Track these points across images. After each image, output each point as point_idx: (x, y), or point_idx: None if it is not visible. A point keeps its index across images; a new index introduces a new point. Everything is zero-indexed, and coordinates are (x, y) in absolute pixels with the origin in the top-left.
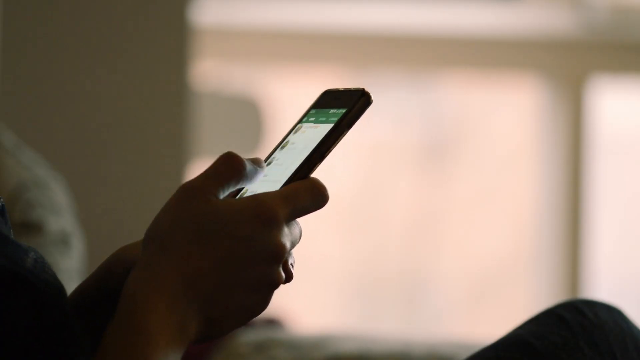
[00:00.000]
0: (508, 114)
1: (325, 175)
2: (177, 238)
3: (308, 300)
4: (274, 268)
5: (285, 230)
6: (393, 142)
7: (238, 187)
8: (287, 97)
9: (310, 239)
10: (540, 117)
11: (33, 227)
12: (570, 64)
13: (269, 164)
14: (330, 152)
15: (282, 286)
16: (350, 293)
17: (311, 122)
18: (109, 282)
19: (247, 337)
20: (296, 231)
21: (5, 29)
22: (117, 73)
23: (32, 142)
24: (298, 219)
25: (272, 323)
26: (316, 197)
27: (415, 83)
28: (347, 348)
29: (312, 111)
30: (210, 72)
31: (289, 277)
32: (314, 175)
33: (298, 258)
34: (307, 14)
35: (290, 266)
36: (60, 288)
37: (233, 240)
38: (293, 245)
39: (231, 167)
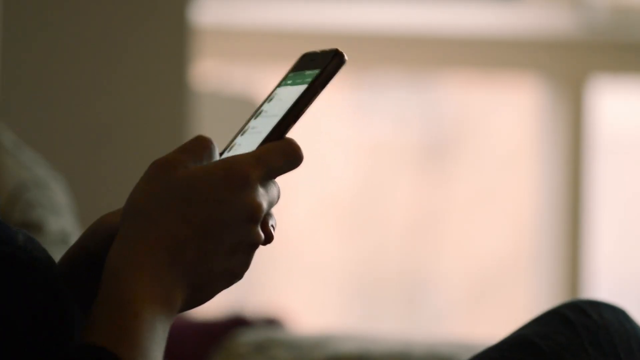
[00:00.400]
0: (508, 114)
1: (325, 175)
2: (154, 210)
3: (308, 300)
4: (251, 228)
5: (261, 190)
6: (393, 142)
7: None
8: None
9: (311, 239)
10: (540, 117)
11: (33, 227)
12: (570, 64)
13: (247, 128)
14: (304, 112)
15: (282, 286)
16: (350, 293)
17: (288, 84)
18: (91, 248)
19: (247, 337)
20: (273, 191)
21: (5, 29)
22: (117, 73)
23: (32, 142)
24: (277, 181)
25: (272, 323)
26: (290, 157)
27: (415, 83)
28: (347, 348)
29: (291, 74)
30: (210, 72)
31: (268, 238)
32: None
33: (298, 258)
34: (307, 14)
35: (271, 227)
36: (52, 265)
37: (207, 205)
38: (271, 205)
39: (200, 144)
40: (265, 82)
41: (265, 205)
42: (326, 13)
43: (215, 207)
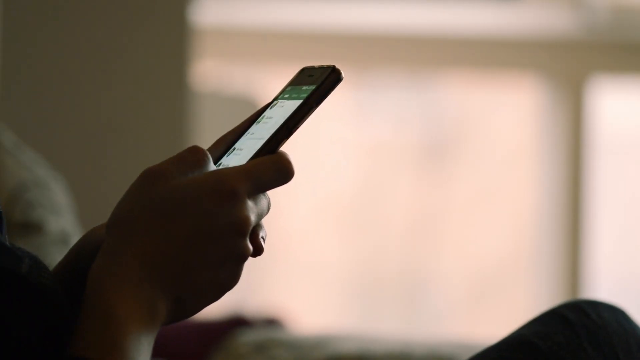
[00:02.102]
0: (508, 114)
1: (325, 175)
2: (138, 222)
3: (308, 300)
4: (239, 241)
5: (249, 203)
6: (393, 142)
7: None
8: None
9: (311, 239)
10: (540, 117)
11: (33, 227)
12: (570, 64)
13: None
14: (297, 127)
15: (282, 286)
16: (350, 293)
17: (285, 98)
18: (78, 263)
19: (247, 337)
20: (263, 203)
21: (5, 29)
22: (117, 73)
23: (32, 142)
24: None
25: (272, 323)
26: (280, 172)
27: (415, 83)
28: (347, 348)
29: (289, 88)
30: (210, 72)
31: (258, 250)
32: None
33: (297, 257)
34: (307, 14)
35: (261, 239)
36: (56, 291)
37: (193, 218)
38: (260, 217)
39: (195, 156)
40: (265, 82)
41: (253, 218)
42: (326, 13)
43: (201, 220)
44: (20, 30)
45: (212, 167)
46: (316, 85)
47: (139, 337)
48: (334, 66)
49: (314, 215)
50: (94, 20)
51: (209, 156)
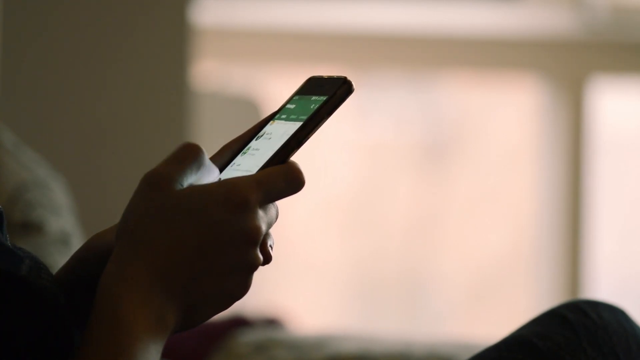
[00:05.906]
0: (508, 114)
1: (325, 176)
2: (148, 230)
3: (308, 300)
4: (249, 251)
5: (260, 213)
6: (393, 142)
7: (199, 173)
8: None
9: (311, 239)
10: (540, 117)
11: (33, 227)
12: (570, 64)
13: (248, 148)
14: (308, 139)
15: (282, 286)
16: (350, 293)
17: (294, 107)
18: (82, 270)
19: (247, 337)
20: (272, 212)
21: (5, 29)
22: (117, 73)
23: (32, 142)
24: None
25: (272, 323)
26: (291, 182)
27: (415, 83)
28: (347, 348)
29: (296, 97)
30: (210, 72)
31: (267, 259)
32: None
33: (298, 258)
34: (307, 14)
35: (270, 248)
36: (56, 293)
37: (204, 227)
38: (269, 226)
39: (191, 153)
40: (265, 82)
41: (264, 227)
42: (326, 13)
43: (212, 229)
44: (20, 30)
45: (207, 161)
46: (327, 96)
47: (148, 344)
48: (345, 77)
49: (314, 215)
50: (94, 20)
51: (204, 150)
